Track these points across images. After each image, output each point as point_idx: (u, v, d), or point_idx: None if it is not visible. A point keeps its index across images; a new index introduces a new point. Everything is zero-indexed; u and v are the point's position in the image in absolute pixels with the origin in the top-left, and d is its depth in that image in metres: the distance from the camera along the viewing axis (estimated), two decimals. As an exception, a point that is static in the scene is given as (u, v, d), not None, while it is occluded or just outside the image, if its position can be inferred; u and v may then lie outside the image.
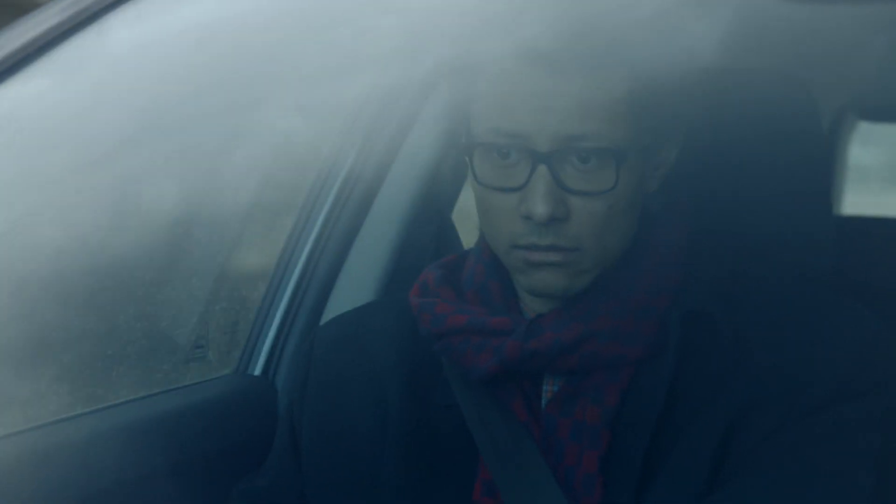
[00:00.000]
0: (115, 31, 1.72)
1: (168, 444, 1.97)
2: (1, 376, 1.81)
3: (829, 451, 1.56)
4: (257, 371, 2.20)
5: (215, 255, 2.25)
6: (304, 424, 1.77)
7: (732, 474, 1.57)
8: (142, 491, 1.88)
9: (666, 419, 1.59)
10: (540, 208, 1.54)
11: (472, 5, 1.64)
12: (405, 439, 1.68)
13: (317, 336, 1.81)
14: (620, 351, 1.60)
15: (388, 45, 2.15)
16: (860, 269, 2.11)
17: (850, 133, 3.36)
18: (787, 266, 1.76)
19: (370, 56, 2.10)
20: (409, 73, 2.22)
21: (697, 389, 1.59)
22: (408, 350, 1.71)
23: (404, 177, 2.28)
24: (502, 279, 1.66)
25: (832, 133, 3.25)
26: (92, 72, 1.74)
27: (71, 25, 1.67)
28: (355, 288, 2.24)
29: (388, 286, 2.24)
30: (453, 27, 1.67)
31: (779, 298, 1.64)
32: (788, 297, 1.64)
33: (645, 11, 1.56)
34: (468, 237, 2.31)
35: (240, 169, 2.28)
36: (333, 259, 2.25)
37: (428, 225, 2.28)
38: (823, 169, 1.87)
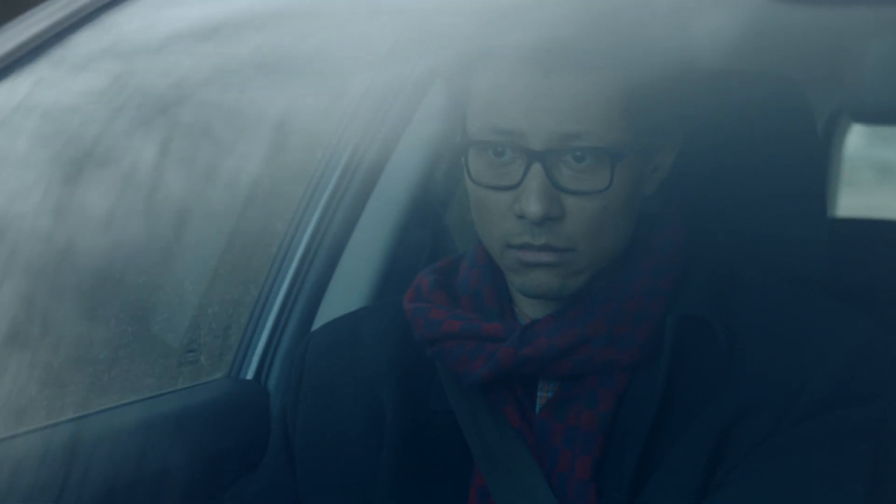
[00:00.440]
0: (107, 29, 1.72)
1: (160, 448, 1.96)
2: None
3: (824, 456, 1.55)
4: (250, 375, 2.19)
5: (207, 259, 2.25)
6: (297, 429, 1.76)
7: (726, 479, 1.57)
8: (133, 496, 1.88)
9: (660, 424, 1.58)
10: (534, 207, 1.54)
11: (467, 4, 1.64)
12: (400, 445, 1.67)
13: (310, 341, 1.80)
14: (615, 356, 1.59)
15: (382, 46, 2.14)
16: (855, 271, 2.11)
17: (845, 135, 3.36)
18: (782, 269, 1.76)
19: (363, 57, 2.09)
20: (403, 75, 2.21)
21: (692, 394, 1.59)
22: (402, 355, 1.71)
23: (398, 179, 2.27)
24: (497, 284, 1.66)
25: (827, 135, 3.26)
26: (86, 70, 1.74)
27: (69, 24, 1.67)
28: (348, 291, 2.23)
29: (381, 289, 2.23)
30: (448, 26, 1.66)
31: (774, 302, 1.63)
32: (783, 301, 1.64)
33: (641, 12, 1.56)
34: (462, 240, 2.30)
35: (233, 171, 2.27)
36: (326, 262, 2.24)
37: (422, 228, 2.28)
38: (818, 171, 1.86)
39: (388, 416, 1.69)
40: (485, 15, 1.59)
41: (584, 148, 1.54)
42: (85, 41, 1.70)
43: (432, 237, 2.28)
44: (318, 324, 2.20)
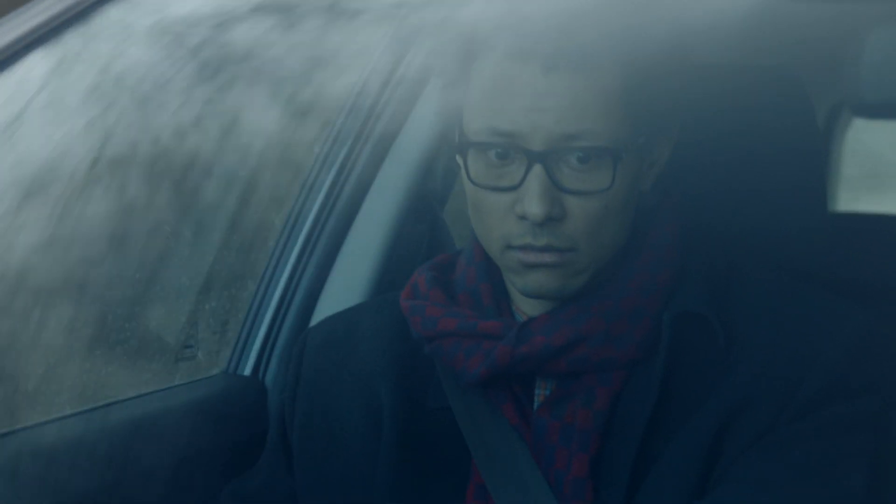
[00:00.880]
0: (99, 27, 1.71)
1: (157, 445, 1.96)
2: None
3: (823, 450, 1.55)
4: (247, 371, 2.19)
5: (205, 254, 2.24)
6: (294, 426, 1.76)
7: (724, 475, 1.56)
8: (131, 492, 1.88)
9: (657, 421, 1.58)
10: (536, 208, 1.53)
11: (464, 2, 1.63)
12: (398, 442, 1.67)
13: (308, 336, 1.80)
14: (612, 354, 1.59)
15: (380, 42, 2.14)
16: (854, 266, 2.10)
17: (845, 130, 3.35)
18: (782, 263, 1.75)
19: (361, 52, 2.09)
20: (401, 69, 2.21)
21: (689, 390, 1.59)
22: (400, 351, 1.70)
23: (395, 175, 2.27)
24: (494, 281, 1.65)
25: (827, 130, 3.25)
26: (82, 67, 1.73)
27: (63, 19, 1.66)
28: (346, 287, 2.23)
29: (379, 285, 2.23)
30: (445, 21, 1.65)
31: (772, 297, 1.63)
32: (781, 296, 1.63)
33: (639, 7, 1.55)
34: (460, 235, 2.30)
35: (229, 166, 2.27)
36: (324, 258, 2.24)
37: (419, 223, 2.27)
38: (818, 166, 1.86)
39: (386, 413, 1.68)
40: (482, 12, 1.58)
41: (586, 148, 1.53)
42: (80, 35, 1.69)
43: (430, 232, 2.27)
44: (315, 320, 2.19)
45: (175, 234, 2.21)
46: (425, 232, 2.27)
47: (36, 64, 1.66)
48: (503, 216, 1.56)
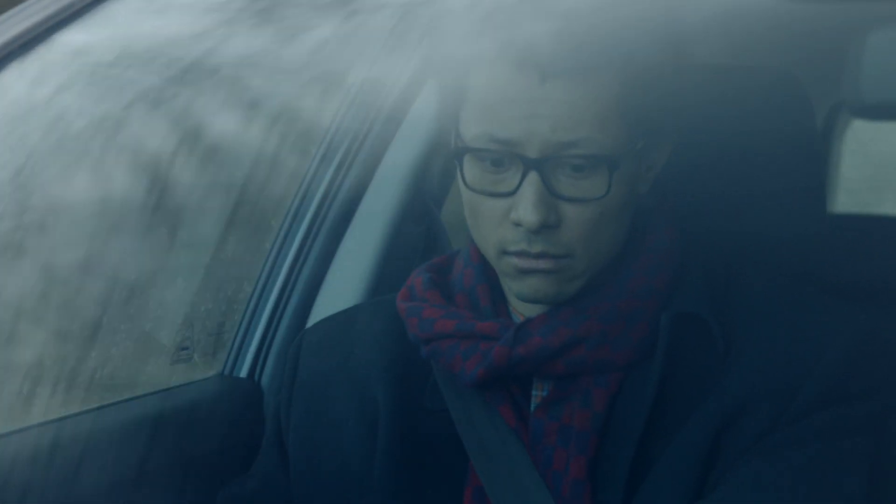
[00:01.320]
0: (95, 28, 1.71)
1: (153, 448, 1.96)
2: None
3: (821, 454, 1.54)
4: (243, 373, 2.18)
5: (200, 256, 2.24)
6: (290, 428, 1.75)
7: (723, 478, 1.56)
8: (126, 495, 1.87)
9: (655, 423, 1.57)
10: (531, 216, 1.52)
11: (461, 6, 1.62)
12: (395, 444, 1.66)
13: (304, 338, 1.79)
14: (609, 356, 1.58)
15: (377, 42, 2.13)
16: (854, 268, 2.10)
17: (845, 131, 3.35)
18: (782, 266, 1.75)
19: (359, 52, 2.08)
20: (398, 70, 2.20)
21: (687, 392, 1.58)
22: (397, 353, 1.70)
23: (393, 175, 2.26)
24: (491, 283, 1.64)
25: (826, 131, 3.24)
26: (78, 65, 1.72)
27: (61, 18, 1.66)
28: (343, 288, 2.22)
29: (376, 286, 2.22)
30: (442, 26, 1.64)
31: (770, 299, 1.62)
32: (780, 297, 1.62)
33: (635, 13, 1.54)
34: (457, 236, 2.29)
35: (225, 167, 2.26)
36: (321, 259, 2.24)
37: (417, 224, 2.27)
38: (817, 167, 1.85)
39: (383, 415, 1.67)
40: (477, 18, 1.57)
41: (582, 156, 1.53)
42: (75, 34, 1.68)
43: (427, 234, 2.27)
44: (312, 322, 2.19)
45: (171, 235, 2.20)
46: (422, 233, 2.27)
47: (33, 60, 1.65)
48: (499, 222, 1.56)
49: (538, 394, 1.62)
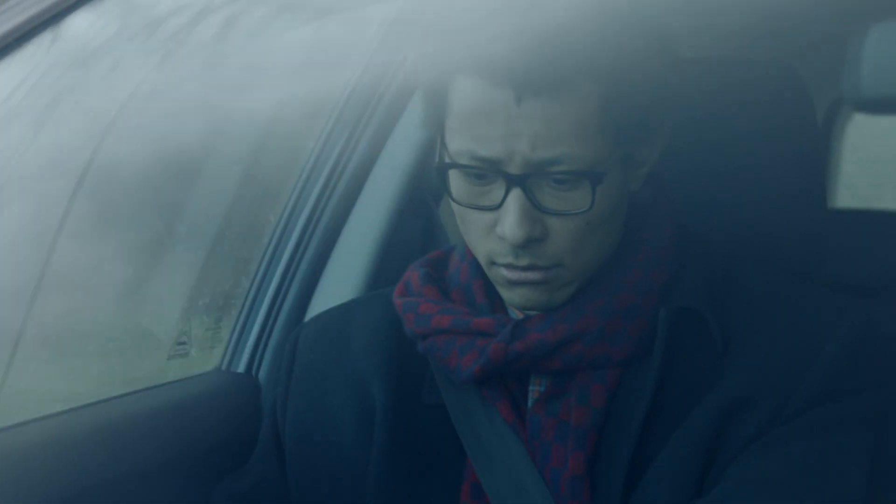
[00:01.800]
0: (94, 22, 1.70)
1: (150, 443, 1.95)
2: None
3: (822, 449, 1.54)
4: (241, 368, 2.18)
5: (198, 251, 2.23)
6: (287, 422, 1.75)
7: (725, 473, 1.55)
8: (123, 490, 1.87)
9: (653, 419, 1.57)
10: (516, 232, 1.52)
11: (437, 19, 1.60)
12: (392, 439, 1.66)
13: (301, 332, 1.79)
14: (606, 351, 1.58)
15: (374, 37, 2.12)
16: (854, 263, 2.09)
17: (845, 125, 3.34)
18: (780, 261, 1.74)
19: (355, 48, 2.08)
20: (395, 65, 2.20)
21: (686, 388, 1.57)
22: (393, 348, 1.69)
23: (391, 170, 2.26)
24: (486, 278, 1.64)
25: (827, 126, 3.24)
26: (75, 62, 1.72)
27: (61, 9, 1.65)
28: (341, 283, 2.22)
29: (374, 281, 2.22)
30: (421, 38, 1.63)
31: (769, 294, 1.62)
32: (779, 292, 1.62)
33: (613, 18, 1.52)
34: (455, 231, 2.28)
35: (223, 162, 2.26)
36: (318, 253, 2.23)
37: (415, 219, 2.26)
38: (817, 162, 1.84)
39: (379, 409, 1.67)
40: (454, 31, 1.55)
41: (563, 172, 1.52)
42: (75, 25, 1.68)
43: (425, 228, 2.26)
44: (310, 316, 2.18)
45: (168, 230, 2.20)
46: (420, 228, 2.26)
47: (30, 56, 1.65)
48: (486, 233, 1.56)
49: (535, 389, 1.61)
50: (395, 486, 1.65)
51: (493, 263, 1.57)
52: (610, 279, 1.59)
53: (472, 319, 1.60)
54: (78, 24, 1.66)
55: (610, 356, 1.58)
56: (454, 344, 1.60)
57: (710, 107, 1.77)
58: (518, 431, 1.60)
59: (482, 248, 1.57)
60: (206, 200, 2.24)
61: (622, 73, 1.51)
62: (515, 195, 1.52)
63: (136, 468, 1.90)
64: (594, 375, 1.58)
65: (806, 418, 1.54)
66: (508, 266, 1.56)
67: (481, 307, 1.63)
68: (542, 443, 1.58)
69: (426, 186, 2.28)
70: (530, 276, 1.55)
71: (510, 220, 1.52)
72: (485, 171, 1.53)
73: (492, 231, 1.55)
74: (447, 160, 1.56)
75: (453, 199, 1.57)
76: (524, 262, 1.54)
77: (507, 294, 1.59)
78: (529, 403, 1.61)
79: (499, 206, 1.53)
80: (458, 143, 1.54)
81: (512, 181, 1.52)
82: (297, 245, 2.22)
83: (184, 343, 2.18)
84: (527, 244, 1.53)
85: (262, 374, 2.18)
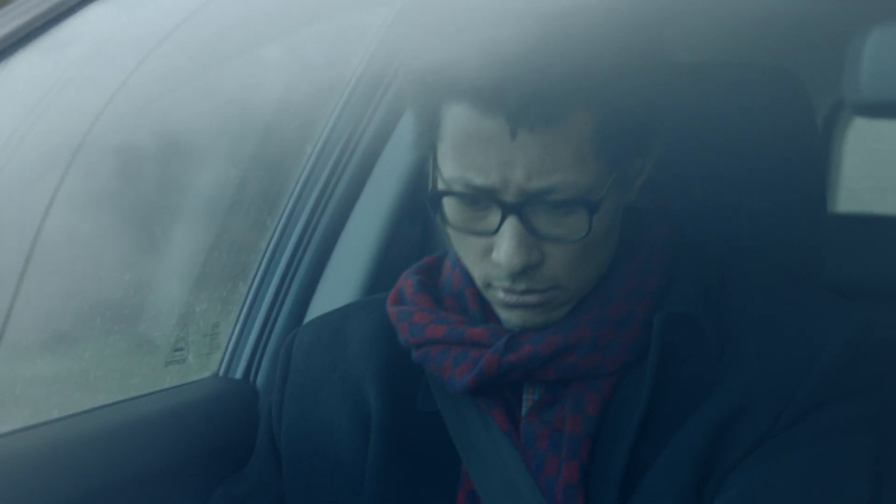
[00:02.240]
0: (95, 20, 1.70)
1: (148, 449, 1.95)
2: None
3: (823, 455, 1.53)
4: (238, 374, 2.17)
5: (195, 256, 2.23)
6: (282, 428, 1.74)
7: (728, 482, 1.54)
8: (121, 496, 1.86)
9: (648, 427, 1.56)
10: (512, 260, 1.51)
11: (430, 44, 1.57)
12: (387, 446, 1.65)
13: (296, 338, 1.78)
14: (600, 361, 1.57)
15: (370, 41, 2.12)
16: (854, 267, 2.09)
17: (846, 129, 3.34)
18: (780, 265, 1.73)
19: (352, 52, 2.07)
20: (393, 68, 2.19)
21: (682, 395, 1.56)
22: (389, 354, 1.69)
23: (389, 174, 2.25)
24: (478, 285, 1.63)
25: (827, 129, 3.23)
26: (73, 61, 1.71)
27: (58, 13, 1.65)
28: (339, 288, 2.21)
29: (371, 287, 2.21)
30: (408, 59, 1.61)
31: (766, 298, 1.61)
32: (776, 296, 1.61)
33: (603, 40, 1.50)
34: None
35: (221, 166, 2.26)
36: (316, 259, 2.23)
37: (413, 224, 2.26)
38: (818, 166, 1.84)
39: (375, 416, 1.66)
40: (446, 56, 1.53)
41: (559, 201, 1.50)
42: (70, 30, 1.68)
43: (423, 234, 2.26)
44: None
45: (165, 235, 2.19)
46: (418, 234, 2.25)
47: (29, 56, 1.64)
48: (482, 257, 1.55)
49: (529, 397, 1.61)
50: (390, 493, 1.64)
51: (489, 286, 1.56)
52: (604, 289, 1.58)
53: (465, 329, 1.59)
54: (78, 23, 1.66)
55: (604, 365, 1.57)
56: (448, 354, 1.59)
57: (711, 111, 1.77)
58: (513, 439, 1.59)
59: (478, 270, 1.56)
60: (204, 205, 2.24)
61: (617, 98, 1.49)
62: (511, 223, 1.51)
63: (134, 474, 1.90)
64: (589, 383, 1.57)
65: (806, 424, 1.54)
66: (506, 290, 1.55)
67: (474, 315, 1.62)
68: (537, 452, 1.58)
69: (425, 191, 2.27)
70: (528, 299, 1.55)
71: (506, 247, 1.51)
72: (478, 198, 1.52)
73: (487, 255, 1.54)
74: (441, 185, 1.54)
75: (448, 224, 1.55)
76: (521, 286, 1.54)
77: (504, 315, 1.58)
78: (523, 412, 1.61)
79: (494, 232, 1.52)
80: (452, 170, 1.52)
81: (507, 209, 1.51)
82: (295, 251, 2.21)
83: (181, 349, 2.17)
84: (524, 271, 1.52)
85: (259, 381, 2.17)
